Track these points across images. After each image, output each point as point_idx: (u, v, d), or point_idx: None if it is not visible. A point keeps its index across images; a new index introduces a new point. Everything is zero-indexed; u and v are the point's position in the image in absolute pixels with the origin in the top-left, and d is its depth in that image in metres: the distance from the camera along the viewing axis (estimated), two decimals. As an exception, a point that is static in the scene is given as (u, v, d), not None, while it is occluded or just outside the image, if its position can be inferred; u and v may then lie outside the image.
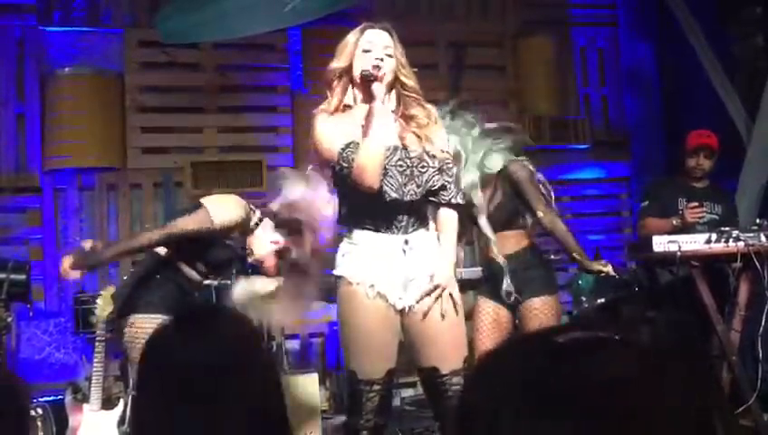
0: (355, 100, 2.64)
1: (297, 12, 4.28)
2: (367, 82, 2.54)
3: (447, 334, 2.54)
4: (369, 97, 2.55)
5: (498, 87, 5.86)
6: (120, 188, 5.17)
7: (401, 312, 2.55)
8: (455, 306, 2.57)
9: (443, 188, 2.59)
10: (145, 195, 5.21)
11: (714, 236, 3.61)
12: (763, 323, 3.63)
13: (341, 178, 2.56)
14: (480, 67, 5.83)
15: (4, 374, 1.68)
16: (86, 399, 3.55)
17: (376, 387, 2.53)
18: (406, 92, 2.60)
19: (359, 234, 2.57)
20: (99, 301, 3.60)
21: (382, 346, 2.54)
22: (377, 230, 2.54)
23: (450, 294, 2.55)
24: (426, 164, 2.55)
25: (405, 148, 2.56)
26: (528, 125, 5.70)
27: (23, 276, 4.09)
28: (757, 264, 3.56)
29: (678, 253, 3.57)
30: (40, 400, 3.96)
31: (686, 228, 3.89)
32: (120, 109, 5.14)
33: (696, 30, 5.44)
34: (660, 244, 3.60)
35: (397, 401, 4.46)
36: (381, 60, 2.55)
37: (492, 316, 3.31)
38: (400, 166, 2.53)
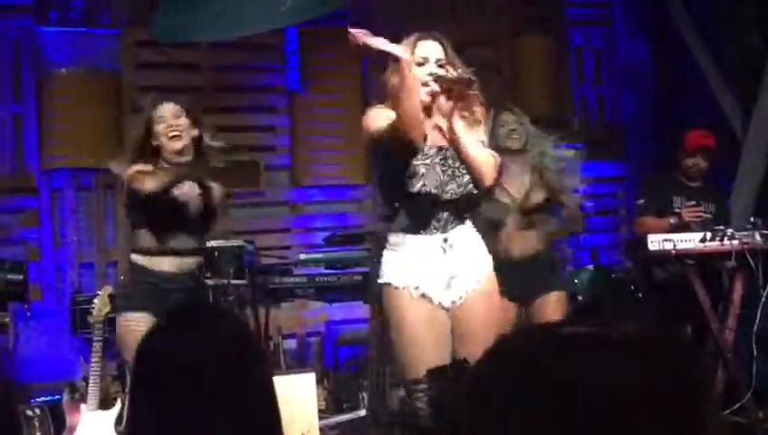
0: None
1: (293, 12, 4.29)
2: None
3: (489, 327, 2.57)
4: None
5: (494, 87, 5.87)
6: (118, 189, 5.17)
7: (449, 309, 2.59)
8: (496, 299, 2.63)
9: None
10: (142, 195, 5.21)
11: (708, 235, 3.62)
12: (757, 320, 3.65)
13: (385, 166, 2.58)
14: (476, 67, 5.82)
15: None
16: (83, 398, 3.55)
17: (422, 386, 2.53)
18: (466, 98, 2.59)
19: (398, 238, 2.61)
20: (96, 301, 3.62)
21: (430, 347, 2.56)
22: (416, 232, 2.58)
23: (492, 288, 2.62)
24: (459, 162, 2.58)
25: (448, 148, 2.59)
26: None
27: (20, 276, 4.11)
28: (752, 262, 3.57)
29: (673, 251, 3.58)
30: (37, 400, 3.97)
31: (682, 228, 3.91)
32: (117, 109, 5.14)
33: (692, 29, 5.46)
34: (655, 242, 3.62)
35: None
36: (435, 75, 2.56)
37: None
38: (442, 165, 2.57)
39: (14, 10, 5.05)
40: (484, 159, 2.57)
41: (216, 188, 3.19)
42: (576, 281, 4.82)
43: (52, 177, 5.05)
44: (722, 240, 3.60)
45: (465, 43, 5.82)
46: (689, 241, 3.62)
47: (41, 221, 5.03)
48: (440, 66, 2.59)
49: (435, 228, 2.57)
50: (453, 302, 2.58)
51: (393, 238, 2.62)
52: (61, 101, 4.99)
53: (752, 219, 3.75)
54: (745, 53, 5.25)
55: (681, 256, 3.62)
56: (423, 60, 2.59)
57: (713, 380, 3.58)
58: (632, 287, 4.34)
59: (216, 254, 4.22)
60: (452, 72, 2.58)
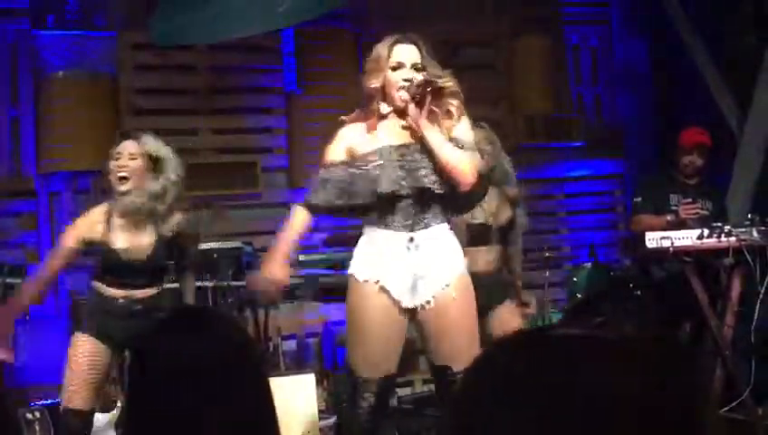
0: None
1: (290, 13, 4.30)
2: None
3: (462, 331, 2.54)
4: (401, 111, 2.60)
5: (491, 86, 5.88)
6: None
7: (413, 310, 2.56)
8: (468, 304, 2.58)
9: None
10: (140, 197, 5.22)
11: (706, 232, 3.63)
12: (755, 317, 3.65)
13: (360, 177, 2.58)
14: (473, 66, 5.84)
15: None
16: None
17: (372, 386, 2.54)
18: (441, 96, 2.58)
19: (369, 231, 2.60)
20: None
21: (383, 345, 2.55)
22: (385, 227, 2.56)
23: (464, 291, 2.57)
24: (423, 159, 2.56)
25: (410, 145, 2.58)
26: (521, 124, 5.73)
27: (19, 280, 4.10)
28: (749, 259, 3.58)
29: (671, 249, 3.59)
30: (37, 403, 3.97)
31: (679, 225, 3.92)
32: (115, 111, 5.14)
33: (689, 27, 5.47)
34: (653, 240, 3.63)
35: (393, 401, 4.48)
36: (410, 80, 2.57)
37: None
38: (399, 161, 2.56)
39: (12, 14, 5.05)
40: (458, 158, 2.53)
41: (177, 230, 3.05)
42: (575, 279, 4.84)
43: (49, 180, 5.05)
44: (719, 237, 3.61)
45: (463, 43, 5.87)
46: (687, 238, 3.63)
47: (39, 224, 5.03)
48: (416, 70, 2.59)
49: (401, 226, 2.55)
50: (421, 305, 2.55)
51: (365, 231, 2.63)
52: (58, 104, 4.99)
53: (749, 216, 3.76)
54: (742, 52, 5.27)
55: (679, 254, 3.62)
56: (398, 64, 2.60)
57: (711, 377, 3.59)
58: (630, 285, 4.35)
59: (215, 255, 4.23)
60: (422, 76, 2.57)
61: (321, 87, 5.43)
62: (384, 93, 2.63)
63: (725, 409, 3.51)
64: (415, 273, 2.53)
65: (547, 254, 5.03)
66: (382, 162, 2.55)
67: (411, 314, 2.57)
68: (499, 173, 3.42)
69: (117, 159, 3.02)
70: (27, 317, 4.36)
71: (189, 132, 5.37)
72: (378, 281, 2.54)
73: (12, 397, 3.86)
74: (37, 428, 3.80)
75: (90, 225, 3.03)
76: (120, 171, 3.01)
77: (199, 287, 3.60)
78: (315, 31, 5.33)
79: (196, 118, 5.37)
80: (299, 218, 2.63)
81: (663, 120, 5.83)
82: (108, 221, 3.03)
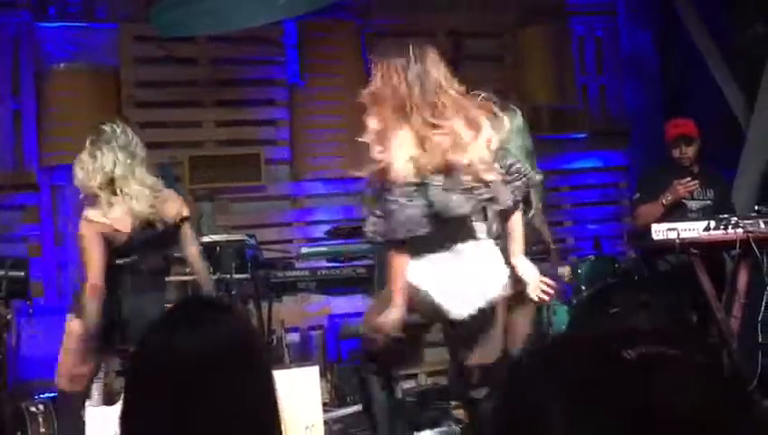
0: None
1: (293, 4, 4.27)
2: None
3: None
4: None
5: (497, 77, 5.84)
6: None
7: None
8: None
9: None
10: (143, 190, 5.20)
11: (713, 224, 3.60)
12: (762, 309, 3.63)
13: None
14: (479, 57, 5.81)
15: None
16: (87, 395, 3.54)
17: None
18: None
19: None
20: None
21: None
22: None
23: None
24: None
25: None
26: (527, 115, 5.69)
27: (22, 273, 4.09)
28: (756, 251, 3.55)
29: (677, 240, 3.56)
30: (41, 396, 3.96)
31: (676, 203, 3.89)
32: (117, 104, 5.12)
33: (696, 18, 5.42)
34: (659, 232, 3.60)
35: (398, 394, 4.47)
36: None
37: None
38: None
39: (13, 6, 5.03)
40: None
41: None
42: (579, 271, 4.81)
43: (52, 173, 5.03)
44: (726, 229, 3.58)
45: (469, 34, 5.82)
46: (693, 230, 3.60)
47: (42, 218, 5.01)
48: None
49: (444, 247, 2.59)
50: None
51: None
52: (60, 97, 4.97)
53: (756, 207, 3.73)
54: (749, 43, 5.22)
55: (685, 246, 3.60)
56: None
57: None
58: (636, 277, 4.33)
59: (218, 248, 4.21)
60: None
61: (325, 79, 5.40)
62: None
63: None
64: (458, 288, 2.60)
65: (552, 246, 5.00)
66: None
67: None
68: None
69: None
70: (31, 311, 4.35)
71: (192, 124, 5.35)
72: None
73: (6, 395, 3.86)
74: (41, 421, 3.80)
75: None
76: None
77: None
78: (318, 22, 5.29)
79: (199, 110, 5.35)
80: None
81: (669, 110, 5.79)
82: None
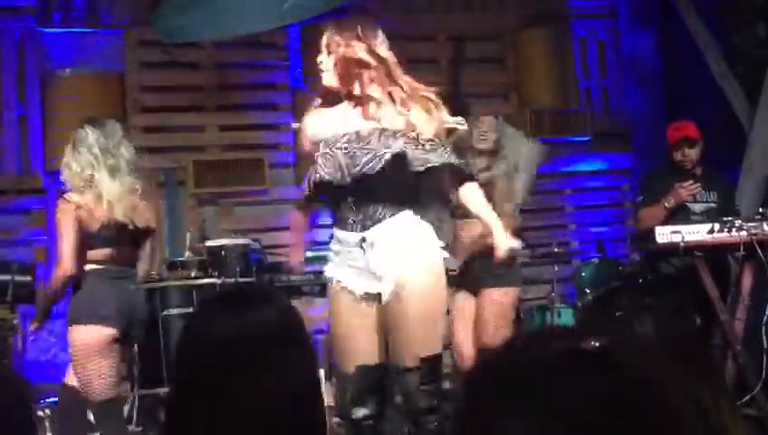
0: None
1: (296, 9, 4.28)
2: None
3: (425, 325, 2.51)
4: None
5: (499, 80, 5.86)
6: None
7: (378, 301, 2.53)
8: (432, 295, 2.54)
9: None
10: (147, 194, 5.22)
11: (716, 226, 3.60)
12: (766, 311, 3.63)
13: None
14: (480, 60, 5.82)
15: (8, 376, 1.70)
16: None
17: (350, 382, 2.57)
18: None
19: (334, 230, 2.66)
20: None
21: (354, 343, 2.57)
22: (342, 228, 2.58)
23: (429, 282, 2.52)
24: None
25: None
26: (529, 118, 5.70)
27: (28, 278, 4.11)
28: (760, 253, 3.55)
29: (681, 243, 3.56)
30: (47, 400, 3.97)
31: (679, 205, 3.90)
32: (122, 109, 5.14)
33: (697, 19, 5.43)
34: (663, 235, 3.60)
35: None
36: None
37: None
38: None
39: (18, 11, 5.06)
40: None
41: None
42: (583, 274, 4.81)
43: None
44: (730, 231, 3.58)
45: (470, 37, 5.83)
46: (697, 233, 3.60)
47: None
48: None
49: (353, 226, 2.53)
50: (382, 300, 2.51)
51: (334, 232, 2.67)
52: (65, 102, 4.99)
53: (760, 210, 3.73)
54: (751, 44, 5.23)
55: (689, 248, 3.60)
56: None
57: (723, 372, 3.57)
58: (640, 280, 4.33)
59: (223, 252, 4.23)
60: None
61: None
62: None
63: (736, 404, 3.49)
64: (371, 271, 2.52)
65: (555, 249, 5.01)
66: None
67: (377, 304, 2.54)
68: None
69: None
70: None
71: (196, 129, 5.37)
72: (339, 281, 2.58)
73: (31, 395, 3.88)
74: (47, 425, 3.81)
75: None
76: None
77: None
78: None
79: (203, 115, 5.37)
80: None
81: (671, 112, 5.79)
82: None
